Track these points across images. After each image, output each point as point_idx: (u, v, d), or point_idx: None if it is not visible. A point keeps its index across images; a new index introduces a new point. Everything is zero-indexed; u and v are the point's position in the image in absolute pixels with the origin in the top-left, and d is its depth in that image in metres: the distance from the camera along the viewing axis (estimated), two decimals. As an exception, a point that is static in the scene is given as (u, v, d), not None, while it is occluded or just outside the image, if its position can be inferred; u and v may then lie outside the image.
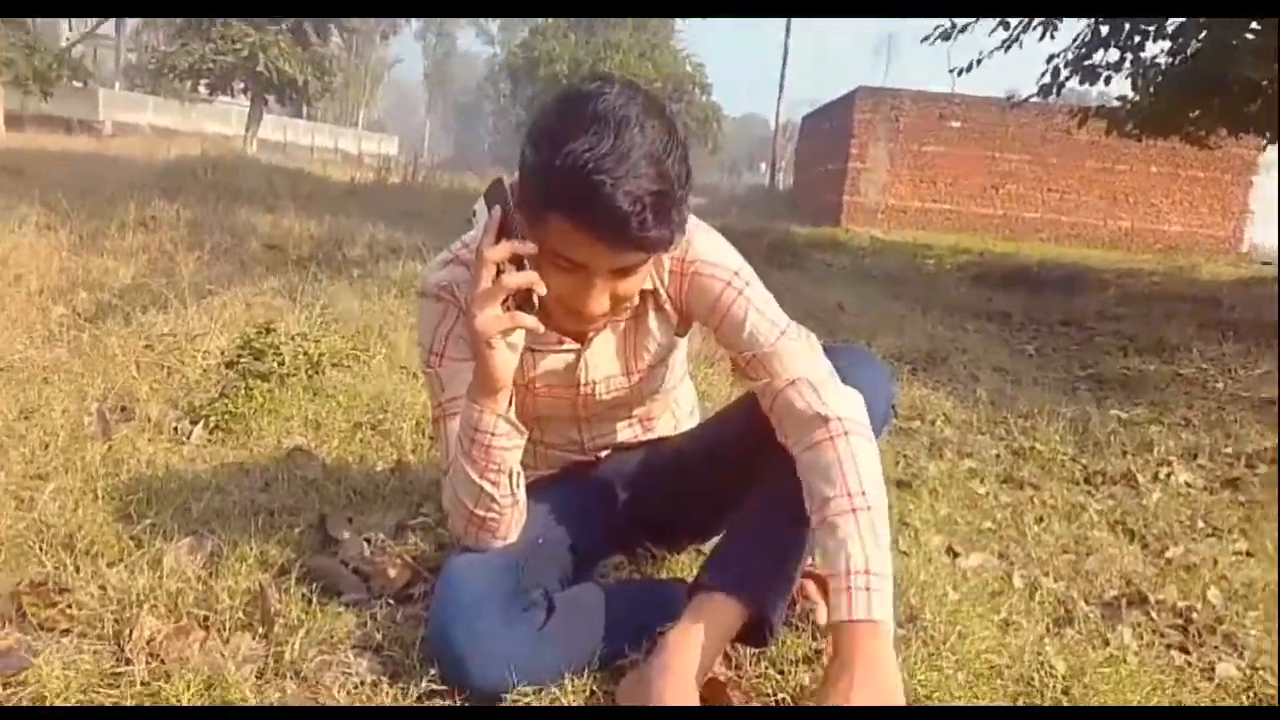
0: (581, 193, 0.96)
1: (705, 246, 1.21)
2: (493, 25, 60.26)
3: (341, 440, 2.08)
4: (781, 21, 26.71)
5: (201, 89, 23.85)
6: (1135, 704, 1.24)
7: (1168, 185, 17.65)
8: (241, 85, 22.79)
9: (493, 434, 1.11)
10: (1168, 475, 2.45)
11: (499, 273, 1.03)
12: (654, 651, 1.12)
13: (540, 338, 1.20)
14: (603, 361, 1.29)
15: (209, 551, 1.40)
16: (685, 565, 1.52)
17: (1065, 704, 1.24)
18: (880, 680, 1.00)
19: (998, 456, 2.56)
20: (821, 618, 1.32)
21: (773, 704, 1.17)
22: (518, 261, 1.03)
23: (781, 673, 1.21)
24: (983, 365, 3.83)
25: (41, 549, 1.36)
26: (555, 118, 1.01)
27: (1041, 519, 2.07)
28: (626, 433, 1.43)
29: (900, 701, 1.01)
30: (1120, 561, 1.83)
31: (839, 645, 1.03)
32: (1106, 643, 1.46)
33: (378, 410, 2.27)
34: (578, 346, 1.26)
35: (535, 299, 1.04)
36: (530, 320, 1.05)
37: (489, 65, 53.63)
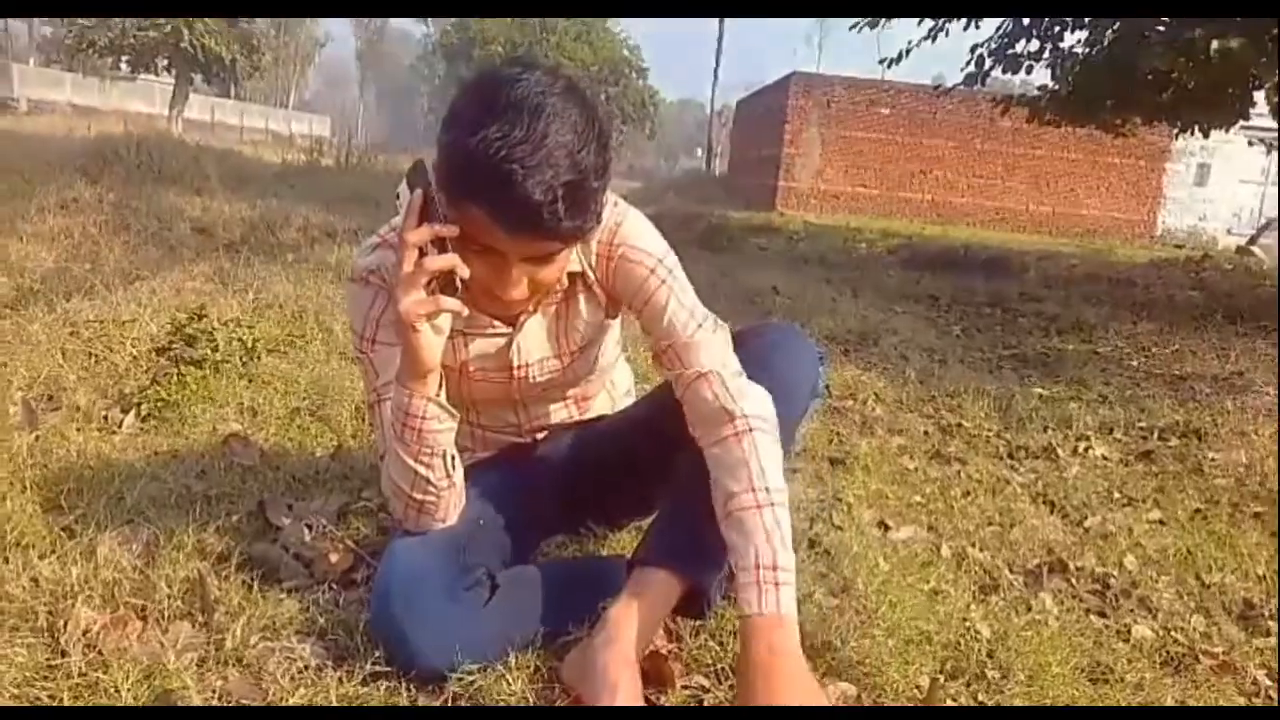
0: (494, 181, 0.96)
1: (632, 231, 1.23)
2: (425, 4, 59.05)
3: (279, 426, 2.05)
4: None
5: (123, 66, 22.95)
6: (1055, 664, 1.31)
7: (1086, 171, 18.28)
8: (165, 62, 22.01)
9: (423, 417, 1.12)
10: (1086, 449, 2.57)
11: (421, 255, 1.03)
12: (596, 627, 1.14)
13: (471, 321, 1.21)
14: (534, 344, 1.29)
15: (144, 541, 1.38)
16: (627, 542, 1.55)
17: (989, 666, 1.31)
18: (792, 677, 1.03)
19: (926, 434, 2.64)
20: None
21: (712, 673, 1.21)
22: (440, 244, 1.03)
23: (721, 644, 1.25)
24: (912, 346, 3.94)
25: (-33, 542, 1.33)
26: (472, 102, 1.00)
27: (968, 493, 2.15)
28: (563, 413, 1.45)
29: (819, 696, 1.04)
30: (1042, 531, 1.92)
31: (749, 640, 1.06)
32: (1029, 608, 1.54)
33: (316, 396, 2.24)
34: (509, 330, 1.27)
35: (458, 282, 1.04)
36: (453, 303, 1.05)
37: (423, 44, 52.63)
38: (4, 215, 4.34)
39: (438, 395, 1.12)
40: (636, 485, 1.39)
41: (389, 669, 1.13)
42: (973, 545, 1.81)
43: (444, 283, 1.04)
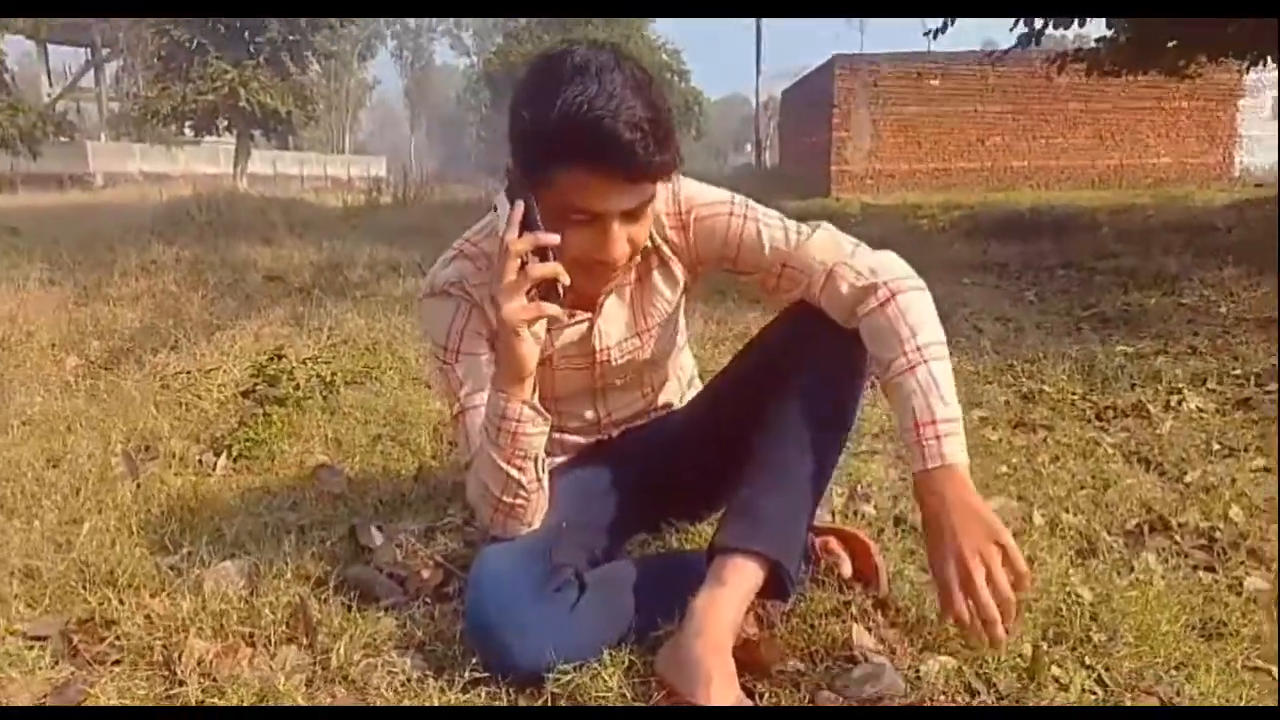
0: (584, 136, 1.02)
1: (694, 191, 1.27)
2: (466, 36, 60.34)
3: (363, 454, 2.11)
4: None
5: (187, 131, 23.93)
6: (1164, 622, 1.27)
7: (1153, 118, 17.55)
8: (225, 123, 22.87)
9: (518, 420, 1.15)
10: (1179, 403, 2.47)
11: (523, 264, 1.07)
12: (684, 619, 1.15)
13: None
14: (614, 327, 1.33)
15: (247, 572, 1.44)
16: (707, 535, 1.55)
17: (1094, 629, 1.27)
18: (975, 524, 1.08)
19: (1007, 403, 2.58)
20: (846, 571, 1.36)
21: (806, 655, 1.20)
22: (541, 253, 1.07)
23: (812, 626, 1.25)
24: (984, 316, 3.85)
25: (84, 587, 1.40)
26: (538, 82, 1.06)
27: (1057, 458, 2.09)
28: (638, 404, 1.46)
29: (1004, 534, 1.08)
30: (1139, 490, 1.85)
31: (922, 499, 1.13)
32: (1132, 569, 1.49)
33: (395, 422, 2.30)
34: (589, 315, 1.29)
35: (560, 289, 1.09)
36: (555, 309, 1.10)
37: (467, 76, 53.66)
38: (92, 282, 4.57)
39: (532, 399, 1.16)
40: (713, 474, 1.39)
41: (487, 675, 1.15)
42: (1066, 510, 1.76)
43: (545, 290, 1.08)
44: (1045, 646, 1.22)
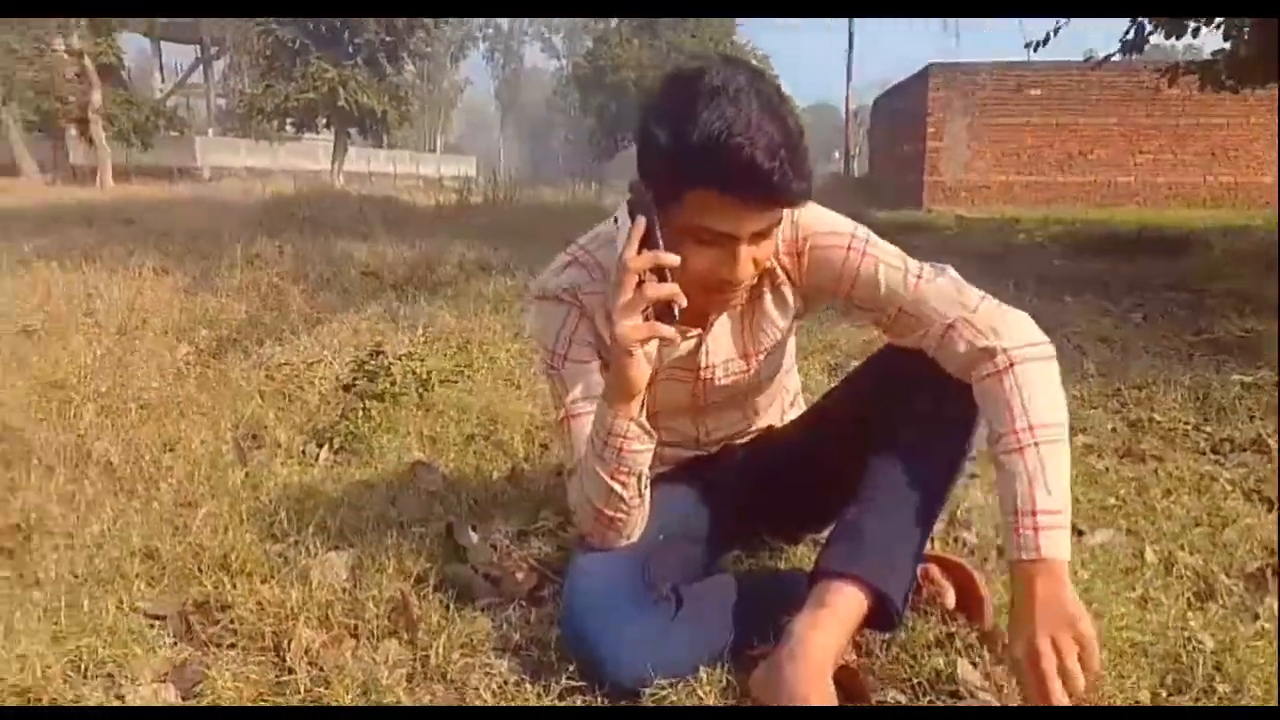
0: (722, 160, 1.01)
1: (813, 218, 1.24)
2: (557, 39, 61.16)
3: (457, 453, 2.15)
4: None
5: (288, 128, 24.83)
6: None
7: (1269, 135, 16.65)
8: (325, 120, 23.65)
9: (625, 437, 1.15)
10: (1302, 437, 2.33)
11: (640, 282, 1.07)
12: (781, 641, 1.13)
13: None
14: (721, 346, 1.32)
15: (350, 564, 1.48)
16: (804, 556, 1.53)
17: (1218, 679, 1.20)
18: (1056, 614, 1.02)
19: (1114, 430, 2.47)
20: (949, 601, 1.32)
21: (907, 687, 1.17)
22: (658, 272, 1.07)
23: (914, 658, 1.21)
24: (1087, 337, 3.71)
25: (200, 570, 1.46)
26: (674, 102, 1.06)
27: (1169, 491, 1.99)
28: (740, 423, 1.45)
29: (1085, 626, 1.02)
30: (1260, 531, 1.75)
31: (1014, 586, 1.08)
32: (1256, 616, 1.41)
33: (488, 422, 2.34)
34: (699, 332, 1.29)
35: (675, 310, 1.08)
36: (669, 330, 1.09)
37: (556, 79, 54.37)
38: (200, 273, 4.77)
39: (639, 416, 1.16)
40: (818, 496, 1.37)
41: (583, 683, 1.16)
42: (1181, 548, 1.67)
43: (660, 310, 1.08)
44: (1164, 695, 1.16)
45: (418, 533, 1.64)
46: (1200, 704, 1.16)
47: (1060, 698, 1.00)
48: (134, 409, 2.41)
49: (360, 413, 2.28)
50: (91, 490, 1.80)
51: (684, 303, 1.08)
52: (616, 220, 1.16)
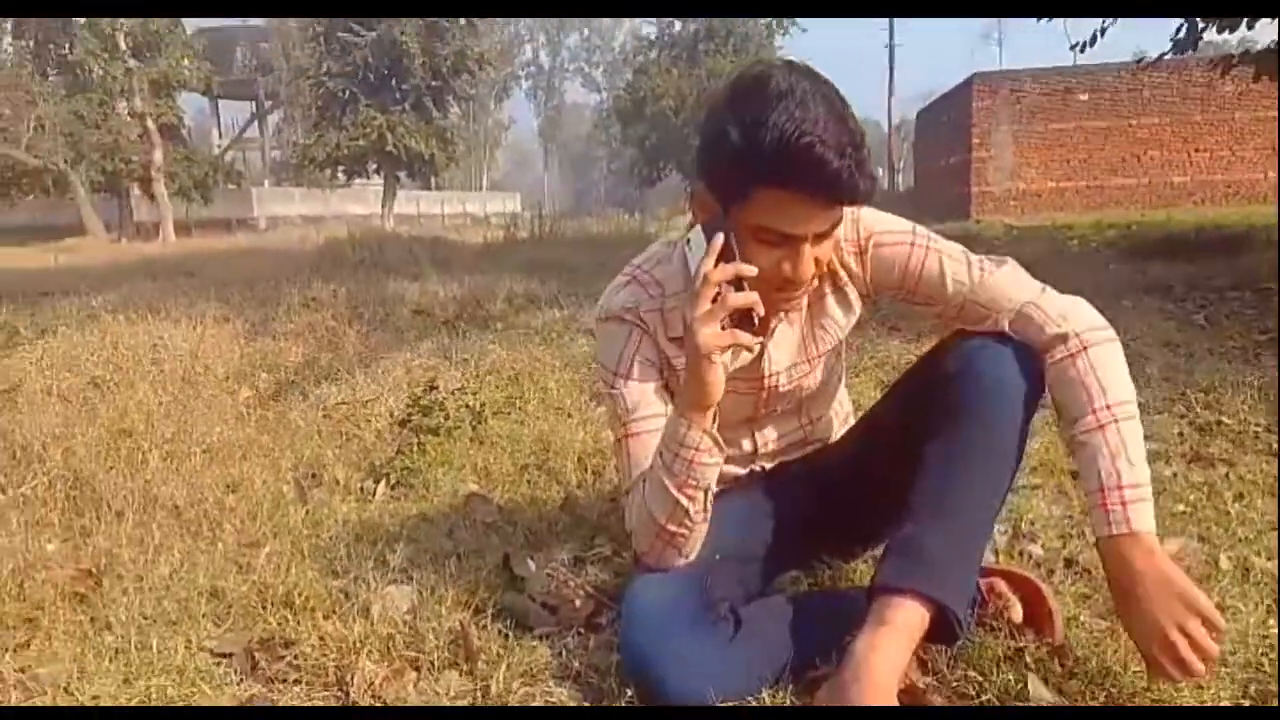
0: (794, 159, 1.04)
1: (873, 218, 1.27)
2: (597, 74, 62.08)
3: (510, 484, 2.17)
4: (883, 21, 26.20)
5: (340, 175, 25.53)
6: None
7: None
8: (374, 166, 24.27)
9: (697, 449, 1.16)
10: (1383, 435, 2.23)
11: (717, 293, 1.10)
12: (843, 661, 1.11)
13: None
14: (783, 352, 1.33)
15: (410, 597, 1.49)
16: (862, 574, 1.51)
17: (1303, 688, 1.15)
18: (1175, 598, 1.06)
19: (1181, 435, 2.39)
20: (1017, 615, 1.29)
21: (977, 705, 1.14)
22: (737, 283, 1.10)
23: (983, 674, 1.18)
24: (1149, 341, 3.60)
25: (264, 608, 1.49)
26: (742, 106, 1.08)
27: (1241, 495, 1.92)
28: (796, 433, 1.44)
29: (1205, 602, 1.06)
30: (1340, 533, 1.68)
31: (1106, 565, 1.12)
32: (1340, 622, 1.35)
33: (540, 452, 2.35)
34: (760, 340, 1.29)
35: (755, 319, 1.11)
36: (749, 338, 1.11)
37: (597, 113, 55.07)
38: (259, 319, 4.90)
39: (712, 428, 1.16)
40: (869, 510, 1.35)
41: (645, 708, 1.15)
42: (1257, 554, 1.61)
43: (739, 319, 1.11)
44: (1246, 704, 1.11)
45: (475, 564, 1.65)
46: (1287, 715, 1.10)
47: (1201, 672, 1.06)
48: (197, 453, 2.48)
49: (415, 447, 2.32)
50: (159, 534, 1.85)
51: (762, 311, 1.11)
52: (689, 241, 1.17)
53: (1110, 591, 1.13)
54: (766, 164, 1.06)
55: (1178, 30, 6.63)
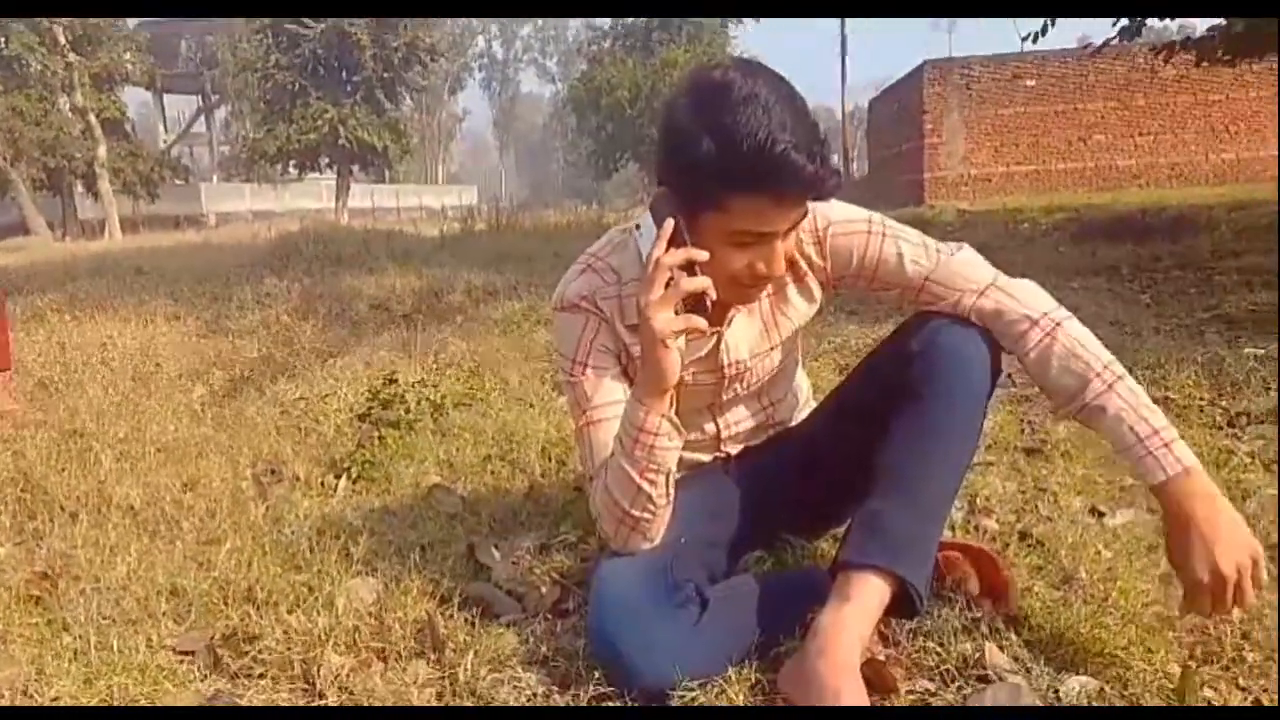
0: (770, 166, 1.05)
1: (830, 209, 1.28)
2: (551, 64, 61.71)
3: (474, 474, 2.16)
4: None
5: (291, 170, 25.10)
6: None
7: (1271, 108, 16.57)
8: (326, 160, 23.90)
9: (656, 434, 1.17)
10: (1320, 406, 2.32)
11: (670, 278, 1.11)
12: (808, 636, 1.13)
13: None
14: (743, 341, 1.34)
15: (375, 589, 1.49)
16: (825, 552, 1.53)
17: (1247, 648, 1.20)
18: (1235, 537, 1.12)
19: (1131, 410, 2.46)
20: (974, 587, 1.32)
21: (935, 675, 1.17)
22: (689, 267, 1.11)
23: (941, 645, 1.21)
24: (1098, 321, 3.69)
25: (226, 604, 1.48)
26: (709, 113, 1.09)
27: (1188, 468, 1.98)
28: (759, 415, 1.46)
29: (1258, 548, 1.12)
30: (1282, 500, 1.74)
31: (1169, 505, 1.15)
32: (1281, 584, 1.40)
33: (503, 442, 2.35)
34: (718, 329, 1.31)
35: (708, 302, 1.12)
36: (702, 322, 1.12)
37: (552, 103, 54.81)
38: (211, 316, 4.82)
39: (670, 412, 1.17)
40: (831, 489, 1.37)
41: (612, 690, 1.16)
42: (1204, 522, 1.66)
43: (693, 303, 1.12)
44: (1194, 666, 1.15)
45: (440, 554, 1.65)
46: (1230, 672, 1.15)
47: (1235, 610, 1.12)
48: (152, 452, 2.44)
49: (376, 441, 2.30)
50: (115, 534, 1.82)
51: (715, 295, 1.12)
52: (638, 226, 1.17)
53: (1170, 527, 1.16)
54: (743, 172, 1.07)
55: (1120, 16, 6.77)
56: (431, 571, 1.55)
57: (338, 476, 2.18)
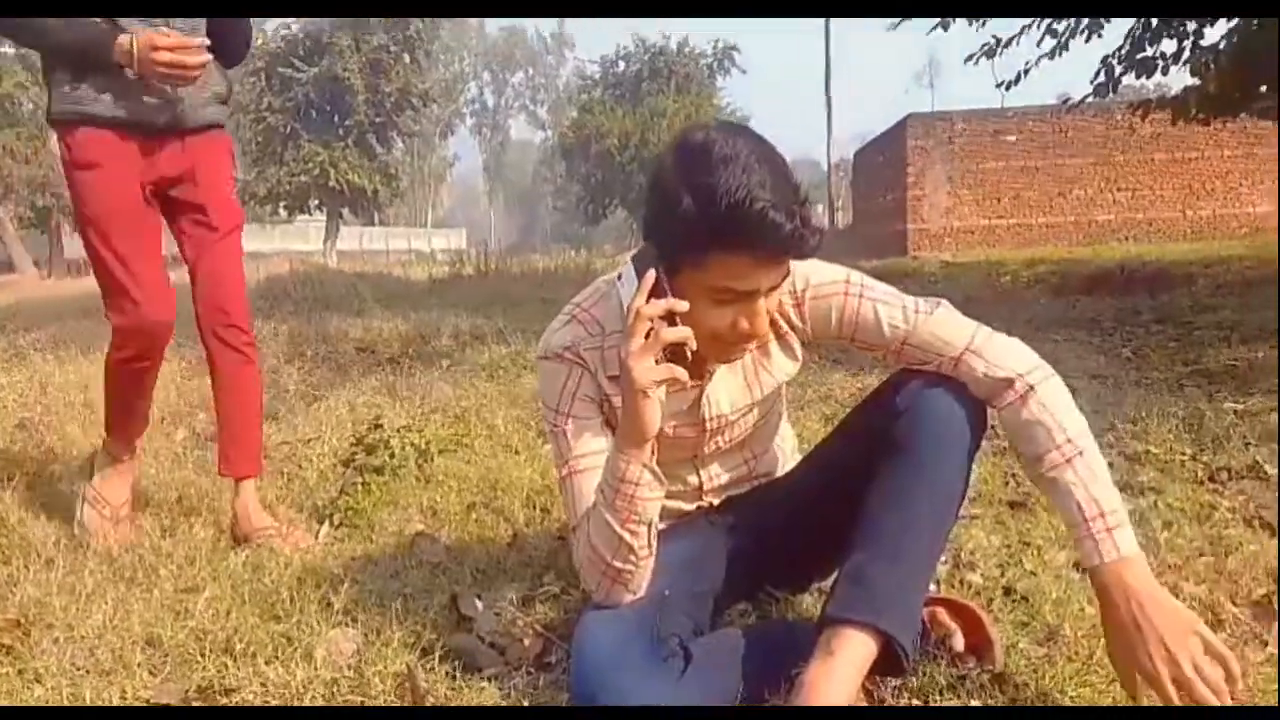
0: (748, 223, 1.07)
1: (810, 269, 1.29)
2: (542, 111, 62.57)
3: (458, 522, 2.15)
4: (820, 63, 26.96)
5: (281, 211, 25.17)
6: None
7: (1245, 165, 16.97)
8: (316, 202, 24.02)
9: (637, 484, 1.17)
10: (1300, 462, 2.34)
11: (651, 329, 1.12)
12: (793, 692, 1.13)
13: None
14: (724, 395, 1.35)
15: (355, 640, 1.47)
16: (811, 606, 1.52)
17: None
18: (1170, 617, 1.10)
19: (1111, 465, 2.43)
20: (959, 644, 1.31)
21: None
22: (669, 318, 1.12)
23: (927, 702, 1.21)
24: (1079, 374, 3.72)
25: (203, 655, 1.45)
26: (690, 173, 1.11)
27: (1170, 523, 1.99)
28: (741, 468, 1.46)
29: (1187, 619, 1.10)
30: (1264, 558, 1.75)
31: (1102, 591, 1.15)
32: (1264, 643, 1.40)
33: (488, 490, 2.34)
34: (699, 383, 1.31)
35: (688, 353, 1.13)
36: (683, 372, 1.13)
37: (542, 149, 55.44)
38: (196, 358, 4.78)
39: (651, 462, 1.18)
40: (817, 543, 1.37)
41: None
42: (1186, 579, 1.67)
43: (673, 353, 1.13)
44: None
45: (422, 605, 1.63)
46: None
47: (1208, 696, 1.06)
48: (132, 497, 2.40)
49: (360, 487, 2.28)
50: (91, 581, 1.79)
51: (695, 345, 1.13)
52: (620, 277, 1.19)
53: (1103, 615, 1.16)
54: (721, 229, 1.09)
55: (1096, 74, 6.98)
56: (413, 622, 1.54)
57: (320, 523, 2.16)
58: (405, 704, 1.30)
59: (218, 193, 2.14)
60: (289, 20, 23.57)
